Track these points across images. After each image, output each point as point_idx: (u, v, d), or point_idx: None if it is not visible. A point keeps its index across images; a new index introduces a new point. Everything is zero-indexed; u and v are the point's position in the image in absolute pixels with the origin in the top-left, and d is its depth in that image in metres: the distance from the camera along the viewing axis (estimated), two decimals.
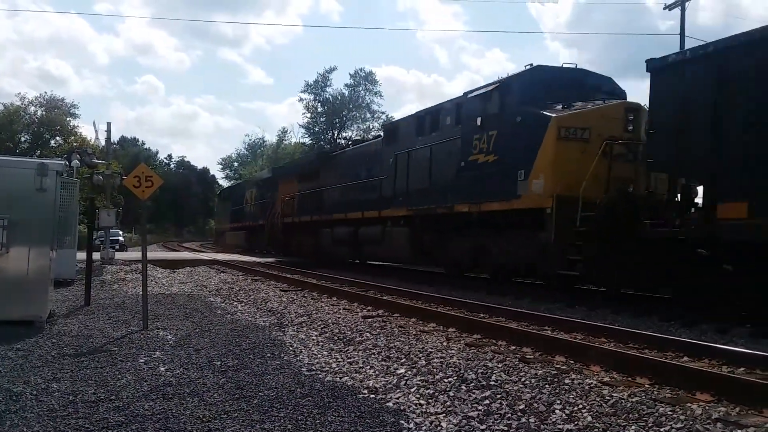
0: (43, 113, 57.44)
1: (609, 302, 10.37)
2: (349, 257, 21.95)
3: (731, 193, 8.32)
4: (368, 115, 62.93)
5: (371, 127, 62.44)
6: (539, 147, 11.47)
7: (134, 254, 23.57)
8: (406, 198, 16.37)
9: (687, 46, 18.85)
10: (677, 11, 25.31)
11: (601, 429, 4.00)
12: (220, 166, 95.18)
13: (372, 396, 5.02)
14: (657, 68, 9.70)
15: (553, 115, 11.46)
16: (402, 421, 4.36)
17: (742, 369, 5.49)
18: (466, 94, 14.56)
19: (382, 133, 20.47)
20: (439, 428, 4.22)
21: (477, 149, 13.31)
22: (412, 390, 5.11)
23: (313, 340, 7.43)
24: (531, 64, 13.27)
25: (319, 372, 5.84)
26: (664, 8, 25.68)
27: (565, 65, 13.44)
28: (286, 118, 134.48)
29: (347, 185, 20.44)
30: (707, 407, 4.28)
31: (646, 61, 9.85)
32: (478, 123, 13.29)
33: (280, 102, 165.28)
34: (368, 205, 18.51)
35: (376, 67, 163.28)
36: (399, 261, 18.83)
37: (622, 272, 10.15)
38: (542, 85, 12.49)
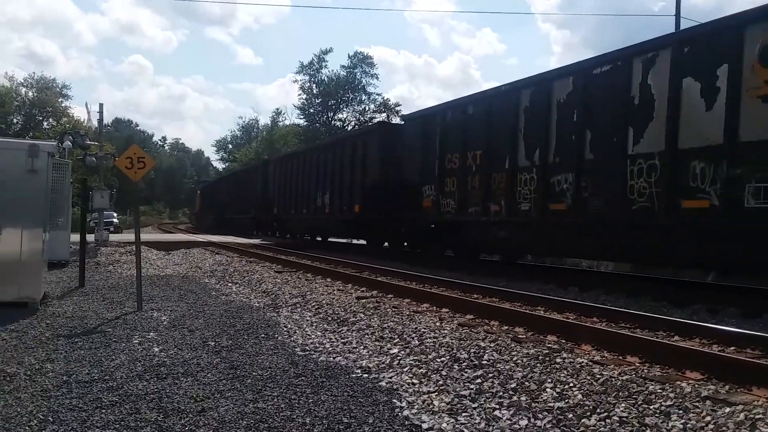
0: (35, 95, 56.93)
1: (602, 283, 10.44)
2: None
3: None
4: (364, 98, 62.64)
5: (367, 108, 62.22)
6: None
7: (128, 236, 23.53)
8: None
9: (683, 26, 18.68)
10: None
11: (591, 406, 4.04)
12: (215, 149, 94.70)
13: (365, 375, 5.06)
14: (405, 118, 18.14)
15: None
16: (395, 400, 4.40)
17: (732, 348, 5.54)
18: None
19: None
20: (431, 406, 4.27)
21: None
22: (405, 369, 5.14)
23: (307, 320, 7.46)
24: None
25: (312, 352, 5.87)
26: None
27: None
28: (276, 99, 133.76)
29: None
30: (697, 385, 4.32)
31: (400, 116, 19.09)
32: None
33: (270, 83, 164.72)
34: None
35: (365, 47, 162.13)
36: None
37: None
38: None
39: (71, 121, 53.21)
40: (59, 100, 58.59)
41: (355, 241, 23.06)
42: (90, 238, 16.58)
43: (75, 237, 14.05)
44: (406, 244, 18.43)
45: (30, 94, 57.07)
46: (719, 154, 8.29)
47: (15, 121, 56.56)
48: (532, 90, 11.95)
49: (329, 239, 24.51)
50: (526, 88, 12.13)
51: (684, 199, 8.77)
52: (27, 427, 3.74)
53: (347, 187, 19.57)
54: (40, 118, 57.73)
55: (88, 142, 23.94)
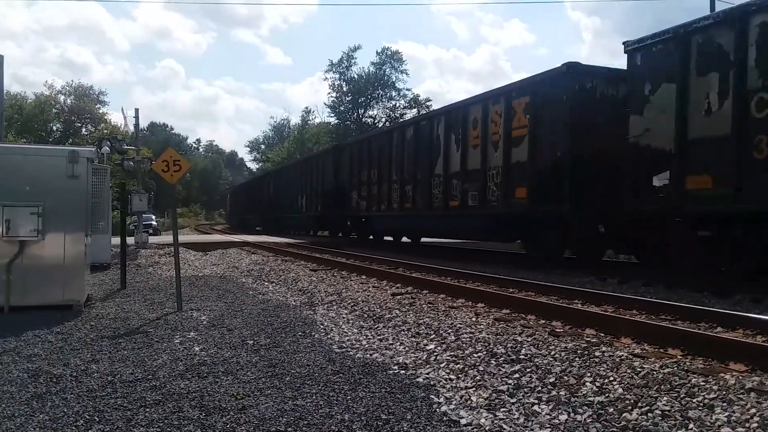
0: (73, 102, 58.33)
1: (641, 275, 10.26)
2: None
3: None
4: (394, 94, 62.63)
5: (397, 105, 62.20)
6: None
7: (167, 238, 23.98)
8: None
9: (719, 8, 18.19)
10: None
11: (632, 400, 3.99)
12: (248, 149, 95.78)
13: (402, 372, 5.08)
14: (344, 144, 24.41)
15: None
16: (432, 396, 4.41)
17: None
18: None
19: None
20: (469, 402, 4.26)
21: None
22: (442, 365, 5.14)
23: (343, 318, 7.51)
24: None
25: (349, 349, 5.91)
26: None
27: None
28: (305, 98, 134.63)
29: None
30: (741, 377, 4.22)
31: (338, 144, 25.00)
32: None
33: (299, 82, 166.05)
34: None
35: (392, 43, 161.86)
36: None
37: None
38: None
39: (109, 126, 54.48)
40: (96, 106, 59.96)
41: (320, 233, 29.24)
42: (130, 240, 16.96)
43: (115, 240, 14.38)
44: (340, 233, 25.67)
45: (68, 101, 58.51)
46: (459, 176, 15.38)
47: (55, 128, 58.04)
48: (396, 132, 20.03)
49: (301, 231, 31.48)
50: (394, 131, 20.64)
51: (450, 201, 15.81)
52: (74, 427, 3.84)
53: (314, 192, 27.47)
54: (79, 125, 59.17)
55: (126, 147, 24.46)
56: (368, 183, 21.31)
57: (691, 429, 3.54)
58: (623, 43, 10.76)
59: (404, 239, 22.64)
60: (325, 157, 27.14)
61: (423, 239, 22.09)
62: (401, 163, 18.71)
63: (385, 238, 23.10)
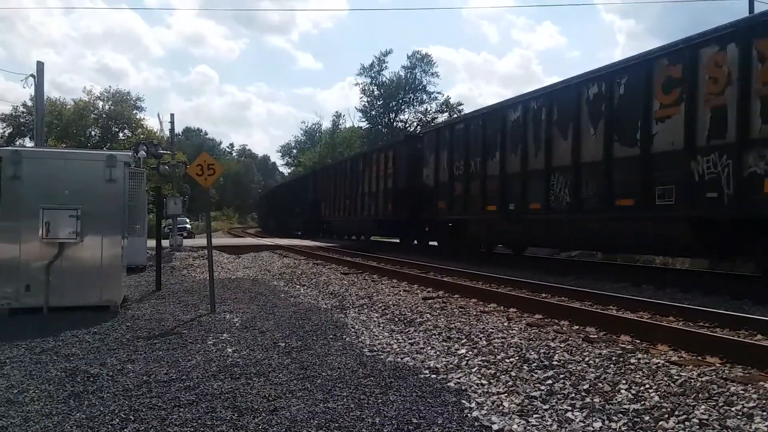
0: (111, 107, 59.56)
1: (678, 281, 10.06)
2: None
3: None
4: (425, 97, 62.59)
5: (428, 109, 62.13)
6: None
7: (201, 241, 24.31)
8: None
9: (757, 9, 17.77)
10: None
11: (669, 408, 3.90)
12: (280, 154, 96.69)
13: (433, 376, 5.05)
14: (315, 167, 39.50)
15: None
16: (464, 401, 4.37)
17: None
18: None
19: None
20: (501, 408, 4.22)
21: None
22: (474, 370, 5.11)
23: (374, 321, 7.51)
24: None
25: (380, 353, 5.91)
26: None
27: None
28: (336, 103, 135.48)
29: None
30: None
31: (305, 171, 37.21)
32: None
33: (330, 87, 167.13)
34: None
35: (422, 47, 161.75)
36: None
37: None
38: None
39: (145, 131, 55.48)
40: (134, 111, 61.13)
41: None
42: (165, 243, 17.23)
43: (151, 243, 14.63)
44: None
45: (106, 107, 59.77)
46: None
47: (93, 133, 59.33)
48: (354, 159, 28.22)
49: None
50: (354, 158, 28.79)
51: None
52: (110, 426, 3.91)
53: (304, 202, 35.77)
54: (116, 130, 60.36)
55: (161, 152, 24.91)
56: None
57: None
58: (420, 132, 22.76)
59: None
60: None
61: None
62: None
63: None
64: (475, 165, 15.92)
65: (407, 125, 61.67)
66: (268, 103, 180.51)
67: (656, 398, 4.09)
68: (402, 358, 5.66)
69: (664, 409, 3.91)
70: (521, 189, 13.83)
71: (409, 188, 20.47)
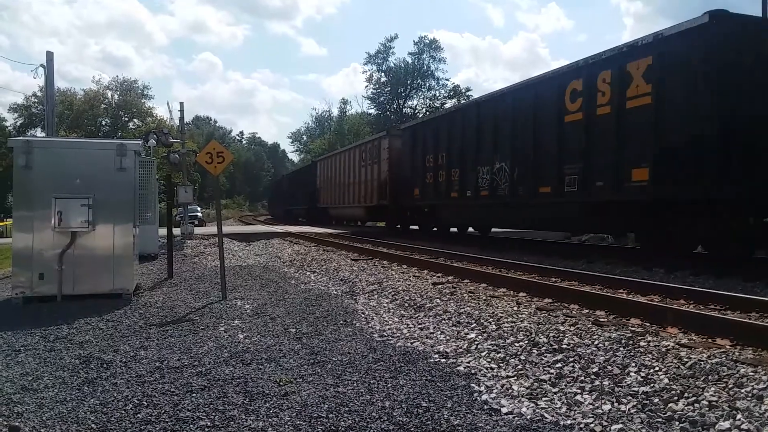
0: (120, 97, 59.79)
1: (689, 265, 10.02)
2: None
3: None
4: (433, 83, 62.28)
5: (437, 95, 61.82)
6: None
7: (212, 229, 24.43)
8: None
9: None
10: None
11: (678, 391, 3.90)
12: (289, 140, 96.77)
13: (443, 360, 5.08)
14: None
15: None
16: (473, 384, 4.39)
17: None
18: None
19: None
20: (510, 391, 4.24)
21: None
22: (483, 354, 5.12)
23: (384, 307, 7.54)
24: None
25: (390, 338, 5.94)
26: None
27: None
28: (342, 89, 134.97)
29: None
30: None
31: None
32: None
33: (335, 73, 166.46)
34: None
35: (426, 32, 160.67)
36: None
37: None
38: None
39: (155, 120, 55.69)
40: (142, 101, 61.34)
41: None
42: (176, 231, 17.33)
43: (162, 231, 14.73)
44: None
45: (116, 96, 60.01)
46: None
47: (104, 123, 59.64)
48: (349, 150, 29.47)
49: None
50: (349, 149, 29.74)
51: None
52: (123, 411, 3.96)
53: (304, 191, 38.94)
54: (126, 119, 60.63)
55: (171, 140, 24.97)
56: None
57: (739, 419, 3.45)
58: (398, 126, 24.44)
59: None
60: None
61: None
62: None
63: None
64: (441, 158, 18.52)
65: (416, 111, 61.45)
66: (273, 90, 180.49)
67: (666, 380, 4.09)
68: (412, 343, 5.68)
69: (673, 391, 3.91)
70: (474, 179, 16.37)
71: (391, 177, 22.82)
